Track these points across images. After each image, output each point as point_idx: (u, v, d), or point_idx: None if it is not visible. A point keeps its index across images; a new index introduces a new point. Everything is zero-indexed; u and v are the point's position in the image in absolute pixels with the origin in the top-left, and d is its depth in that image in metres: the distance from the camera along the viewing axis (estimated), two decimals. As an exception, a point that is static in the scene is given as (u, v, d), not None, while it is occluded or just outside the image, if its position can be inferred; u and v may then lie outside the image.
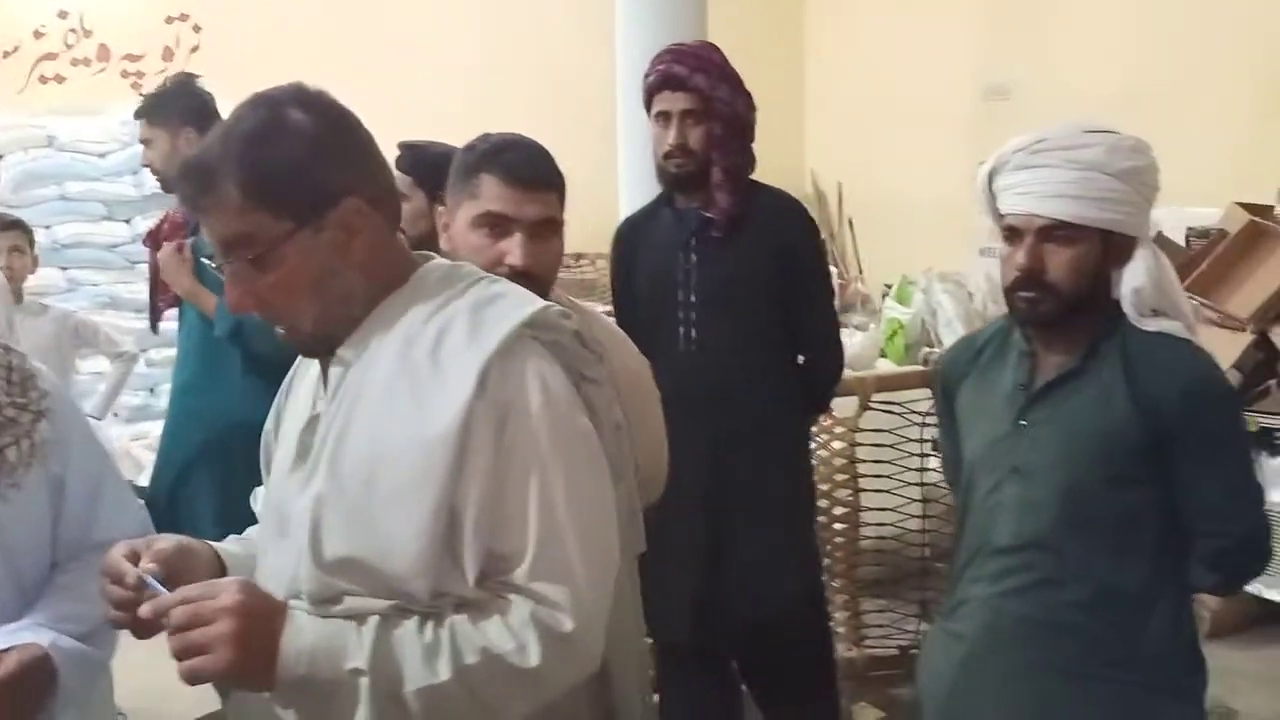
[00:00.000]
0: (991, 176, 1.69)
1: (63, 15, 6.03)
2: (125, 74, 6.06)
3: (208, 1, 6.02)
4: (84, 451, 1.47)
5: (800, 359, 2.53)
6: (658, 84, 2.39)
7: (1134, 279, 1.63)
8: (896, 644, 3.23)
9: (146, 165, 3.06)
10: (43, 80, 6.02)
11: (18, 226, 3.64)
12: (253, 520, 1.40)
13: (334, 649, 1.10)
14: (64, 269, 5.40)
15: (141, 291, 3.92)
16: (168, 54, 6.05)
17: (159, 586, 1.13)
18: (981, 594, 1.68)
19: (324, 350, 1.22)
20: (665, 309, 2.44)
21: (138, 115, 3.02)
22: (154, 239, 3.30)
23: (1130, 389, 1.58)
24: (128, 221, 5.49)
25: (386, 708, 1.09)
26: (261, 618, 1.09)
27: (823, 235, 2.56)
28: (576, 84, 5.97)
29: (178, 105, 2.97)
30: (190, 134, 2.99)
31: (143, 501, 2.91)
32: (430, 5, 6.33)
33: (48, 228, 5.38)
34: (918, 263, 5.24)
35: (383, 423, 1.13)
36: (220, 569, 1.26)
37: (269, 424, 1.38)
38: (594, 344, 1.30)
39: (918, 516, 3.22)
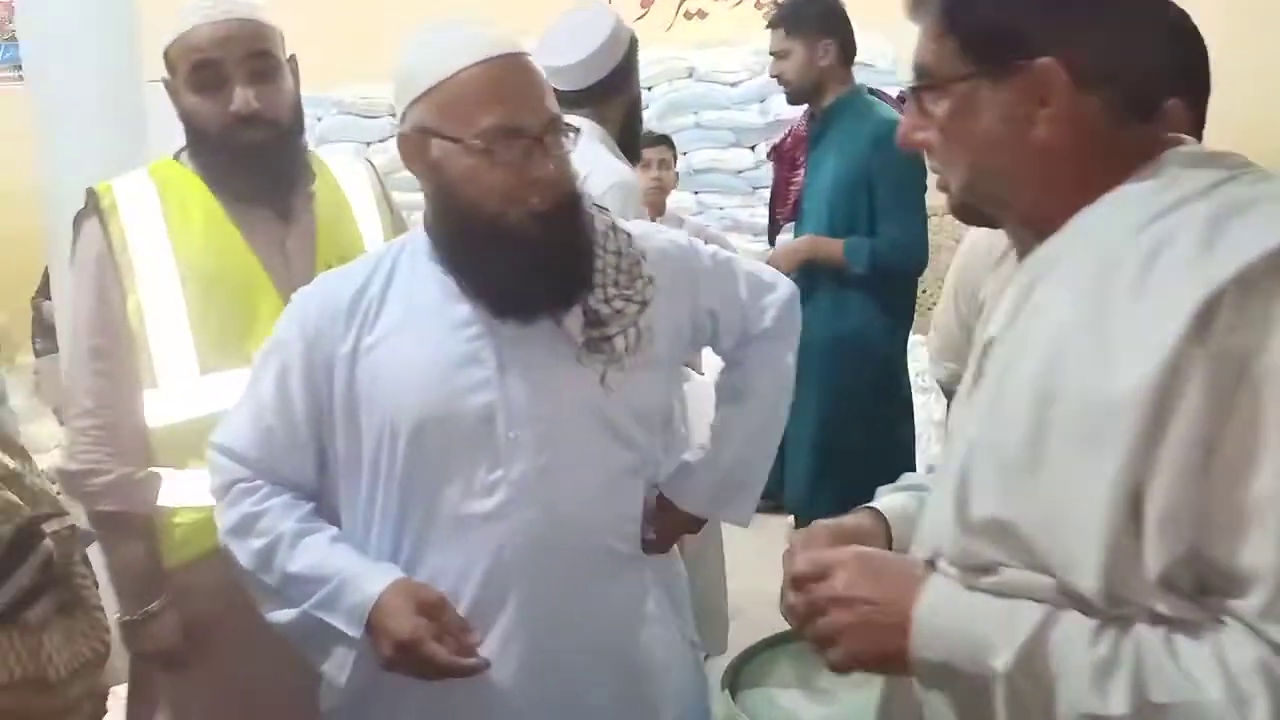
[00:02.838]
0: None
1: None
2: (759, 4, 6.33)
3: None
4: (712, 280, 1.55)
5: None
6: None
7: None
8: None
9: (776, 76, 3.00)
10: (687, 16, 6.50)
11: (665, 141, 3.88)
12: None
13: (974, 636, 0.90)
14: (696, 193, 5.81)
15: (761, 215, 4.02)
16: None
17: None
18: None
19: (970, 218, 1.03)
20: None
21: (773, 26, 3.00)
22: (777, 153, 3.35)
23: None
24: (752, 148, 5.75)
25: None
26: (882, 605, 0.96)
27: None
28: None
29: (816, 15, 2.93)
30: (829, 44, 2.95)
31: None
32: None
33: (684, 154, 5.80)
34: None
35: (1058, 363, 0.88)
36: (884, 536, 1.12)
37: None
38: None
39: None
